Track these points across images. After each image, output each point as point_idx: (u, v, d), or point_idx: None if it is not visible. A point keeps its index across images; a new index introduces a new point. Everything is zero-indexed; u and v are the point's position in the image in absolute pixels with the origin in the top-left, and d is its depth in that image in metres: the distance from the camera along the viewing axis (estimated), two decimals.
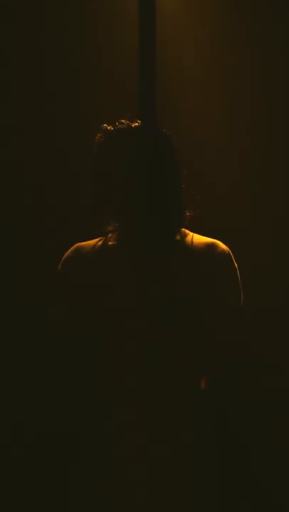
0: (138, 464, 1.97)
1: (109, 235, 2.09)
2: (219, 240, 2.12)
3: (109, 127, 2.10)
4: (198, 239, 2.08)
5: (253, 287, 3.06)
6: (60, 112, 3.07)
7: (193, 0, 3.11)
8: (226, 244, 2.14)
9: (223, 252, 2.07)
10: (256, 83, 3.15)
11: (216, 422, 2.05)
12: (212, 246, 2.07)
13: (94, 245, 2.09)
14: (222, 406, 2.06)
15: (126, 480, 1.97)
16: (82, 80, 3.08)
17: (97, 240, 2.11)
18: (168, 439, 1.99)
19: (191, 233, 2.09)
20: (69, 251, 2.12)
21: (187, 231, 2.09)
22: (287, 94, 3.16)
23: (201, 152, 3.03)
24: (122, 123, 2.10)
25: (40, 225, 2.99)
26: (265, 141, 3.16)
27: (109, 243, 2.08)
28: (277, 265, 3.14)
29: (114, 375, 1.99)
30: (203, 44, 3.13)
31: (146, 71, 2.01)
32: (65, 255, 2.12)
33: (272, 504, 2.97)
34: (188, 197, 2.11)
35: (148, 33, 2.03)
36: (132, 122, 2.11)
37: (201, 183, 3.01)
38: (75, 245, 2.12)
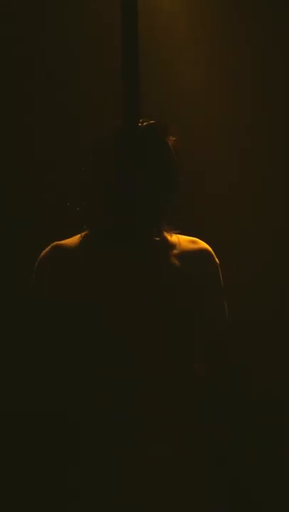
0: (138, 464, 1.97)
1: (88, 232, 2.07)
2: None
3: (107, 128, 2.10)
4: (180, 238, 2.08)
5: (253, 287, 3.07)
6: (59, 113, 3.07)
7: (193, 0, 3.10)
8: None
9: (205, 249, 2.08)
10: (256, 83, 3.15)
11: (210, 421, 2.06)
12: (194, 244, 2.08)
13: (73, 244, 2.06)
14: (219, 406, 2.06)
15: (126, 480, 1.97)
16: (82, 80, 3.08)
17: (76, 237, 2.08)
18: (168, 439, 1.99)
19: (173, 233, 2.09)
20: (45, 250, 2.07)
21: (170, 230, 2.08)
22: (287, 94, 3.16)
23: (201, 152, 3.03)
24: (116, 124, 2.10)
25: (40, 224, 2.98)
26: (265, 141, 3.16)
27: (90, 241, 2.05)
28: (277, 265, 3.14)
29: (111, 378, 1.99)
30: (203, 44, 3.12)
31: (129, 72, 2.01)
32: (41, 255, 2.07)
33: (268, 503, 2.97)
34: (180, 197, 2.10)
35: (130, 31, 2.02)
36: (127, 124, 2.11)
37: (201, 183, 3.03)
38: (52, 244, 2.07)
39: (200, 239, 2.11)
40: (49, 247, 2.07)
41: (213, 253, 2.09)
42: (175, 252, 2.05)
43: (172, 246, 2.06)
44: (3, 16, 3.04)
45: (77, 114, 3.06)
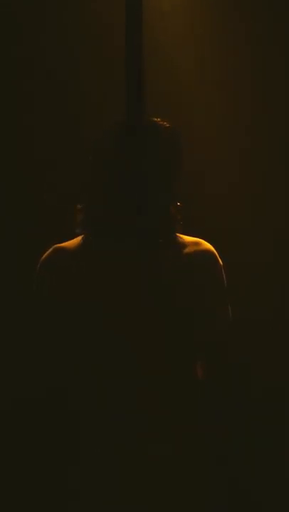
0: (138, 464, 1.97)
1: (89, 233, 2.06)
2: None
3: (107, 126, 2.10)
4: (183, 239, 2.08)
5: (253, 287, 3.07)
6: (59, 113, 3.07)
7: (193, 0, 3.10)
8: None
9: (208, 250, 2.07)
10: (256, 83, 3.15)
11: (210, 422, 2.05)
12: (197, 245, 2.07)
13: (74, 246, 2.06)
14: (219, 406, 2.05)
15: (126, 480, 1.97)
16: (82, 80, 3.08)
17: (76, 240, 2.08)
18: (168, 439, 1.99)
19: (176, 233, 2.08)
20: (47, 253, 2.07)
21: (172, 231, 2.08)
22: (287, 94, 3.16)
23: (201, 152, 3.03)
24: (117, 120, 2.10)
25: (40, 224, 2.99)
26: (265, 141, 3.16)
27: (91, 242, 2.05)
28: (277, 265, 3.14)
29: (111, 378, 1.99)
30: (203, 44, 3.12)
31: (132, 71, 2.02)
32: (42, 258, 2.07)
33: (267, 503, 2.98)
34: (180, 198, 2.09)
35: (134, 31, 2.03)
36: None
37: (201, 183, 3.03)
38: (53, 247, 2.07)
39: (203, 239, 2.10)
40: (50, 249, 2.07)
41: (216, 254, 2.08)
42: (177, 252, 2.05)
43: (174, 246, 2.06)
44: (3, 15, 3.04)
45: (77, 114, 3.06)
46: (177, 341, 2.00)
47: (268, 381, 3.05)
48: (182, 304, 2.00)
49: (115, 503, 1.97)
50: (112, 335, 1.98)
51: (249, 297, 3.01)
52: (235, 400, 2.07)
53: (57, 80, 3.07)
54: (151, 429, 1.98)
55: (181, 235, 2.09)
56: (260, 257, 3.10)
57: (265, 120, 3.15)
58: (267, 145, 3.16)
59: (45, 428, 2.04)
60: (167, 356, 2.00)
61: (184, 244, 2.06)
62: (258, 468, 2.98)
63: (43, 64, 3.07)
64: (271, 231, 3.13)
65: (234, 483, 2.19)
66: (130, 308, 1.98)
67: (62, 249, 2.06)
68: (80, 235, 2.08)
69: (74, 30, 3.08)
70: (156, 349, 1.99)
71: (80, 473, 1.99)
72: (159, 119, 2.09)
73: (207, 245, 2.08)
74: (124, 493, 1.97)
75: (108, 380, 1.98)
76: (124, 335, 1.98)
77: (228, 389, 2.06)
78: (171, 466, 1.99)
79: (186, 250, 2.05)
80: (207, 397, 2.05)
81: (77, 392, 2.01)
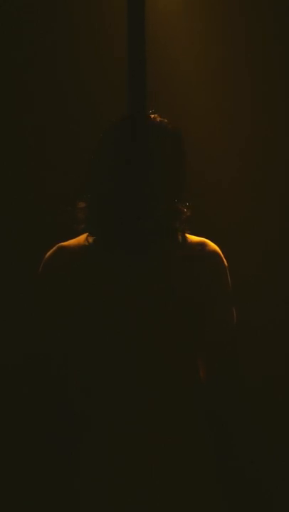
0: (138, 464, 1.97)
1: (92, 232, 2.05)
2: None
3: (112, 122, 2.09)
4: (188, 238, 2.07)
5: (253, 286, 3.07)
6: (59, 113, 3.08)
7: (193, 0, 3.11)
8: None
9: (213, 251, 2.07)
10: (257, 82, 3.16)
11: (210, 422, 2.05)
12: (202, 245, 2.07)
13: (77, 245, 2.05)
14: (217, 406, 2.05)
15: (126, 480, 1.97)
16: (83, 80, 3.08)
17: (79, 238, 2.07)
18: (168, 439, 1.99)
19: (181, 233, 2.08)
20: (50, 252, 2.06)
21: (177, 231, 2.08)
22: (288, 95, 3.16)
23: (201, 152, 3.03)
24: (120, 119, 2.10)
25: (40, 225, 2.99)
26: (265, 141, 3.16)
27: (94, 242, 2.04)
28: (277, 266, 3.14)
29: (112, 378, 1.99)
30: (203, 44, 3.13)
31: (136, 68, 2.02)
32: (46, 256, 2.06)
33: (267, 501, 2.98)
34: (184, 197, 2.09)
35: (137, 30, 2.03)
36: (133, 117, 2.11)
37: (201, 183, 3.03)
38: (57, 245, 2.07)
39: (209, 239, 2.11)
40: (54, 248, 2.07)
41: (221, 255, 2.08)
42: (181, 252, 2.04)
43: (179, 246, 2.05)
44: (3, 15, 3.05)
45: (77, 114, 3.06)
46: (180, 342, 2.00)
47: (268, 381, 3.06)
48: (186, 304, 2.00)
49: (116, 504, 1.97)
50: (113, 335, 1.98)
51: (250, 295, 3.02)
52: (236, 399, 2.08)
53: (57, 79, 3.08)
54: (152, 429, 1.98)
55: (187, 235, 2.08)
56: (260, 258, 3.11)
57: (266, 119, 3.16)
58: (267, 145, 3.17)
59: (46, 427, 2.04)
60: (170, 356, 1.99)
61: (190, 245, 2.06)
62: (257, 468, 2.98)
63: (43, 64, 3.08)
64: (271, 232, 3.14)
65: (234, 484, 2.20)
66: (133, 308, 1.98)
67: (66, 248, 2.06)
68: (83, 232, 2.08)
69: (75, 30, 3.08)
70: (159, 349, 1.99)
71: (81, 474, 1.99)
72: (160, 118, 2.09)
73: (213, 246, 2.08)
74: (124, 493, 1.97)
75: (108, 380, 1.98)
76: (125, 335, 1.98)
77: (229, 389, 2.06)
78: (171, 466, 1.99)
79: (191, 251, 2.05)
80: (208, 397, 2.05)
81: (76, 392, 2.01)
